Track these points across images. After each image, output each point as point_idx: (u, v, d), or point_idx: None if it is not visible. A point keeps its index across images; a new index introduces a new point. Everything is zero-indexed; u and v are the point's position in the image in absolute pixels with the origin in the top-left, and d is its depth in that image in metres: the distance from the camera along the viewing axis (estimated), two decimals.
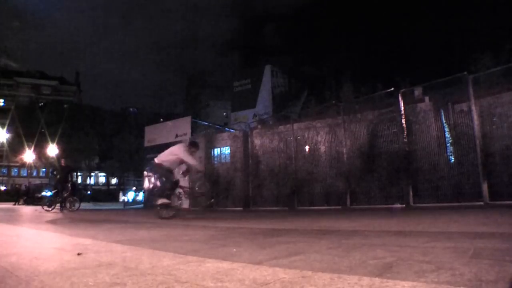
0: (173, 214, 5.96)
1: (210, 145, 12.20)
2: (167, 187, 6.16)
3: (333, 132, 9.09)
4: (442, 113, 7.59)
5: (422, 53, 45.94)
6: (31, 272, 1.55)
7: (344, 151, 8.71)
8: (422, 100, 8.18)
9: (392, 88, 8.44)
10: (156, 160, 6.34)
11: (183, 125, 13.66)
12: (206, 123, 18.19)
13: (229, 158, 11.67)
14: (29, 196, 23.93)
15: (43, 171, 46.50)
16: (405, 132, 7.66)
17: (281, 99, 41.10)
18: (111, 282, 1.31)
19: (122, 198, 39.42)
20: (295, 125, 10.10)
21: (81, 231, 3.82)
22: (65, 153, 30.10)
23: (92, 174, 52.63)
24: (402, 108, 7.80)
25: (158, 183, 6.48)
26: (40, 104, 49.06)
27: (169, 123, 15.30)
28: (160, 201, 5.97)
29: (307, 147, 9.74)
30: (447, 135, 7.42)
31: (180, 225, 4.65)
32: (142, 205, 17.13)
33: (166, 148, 15.70)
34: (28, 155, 35.35)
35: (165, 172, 6.22)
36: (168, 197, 6.06)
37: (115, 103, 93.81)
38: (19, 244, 2.84)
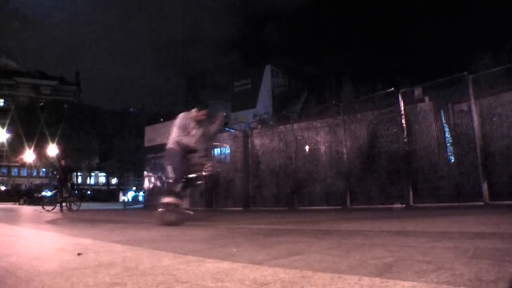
0: (181, 218, 4.50)
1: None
2: (175, 180, 4.62)
3: (333, 132, 9.09)
4: (442, 113, 7.59)
5: (422, 53, 45.96)
6: (31, 272, 1.55)
7: (344, 151, 8.70)
8: (422, 100, 8.18)
9: (392, 88, 8.43)
10: (168, 144, 4.88)
11: None
12: None
13: (229, 158, 11.67)
14: (29, 196, 23.93)
15: (43, 171, 46.52)
16: (405, 132, 7.66)
17: (281, 99, 41.13)
18: (111, 282, 1.31)
19: (122, 198, 39.43)
20: (295, 125, 10.10)
21: (81, 231, 3.82)
22: (65, 153, 30.12)
23: (92, 174, 52.67)
24: (402, 108, 7.80)
25: (168, 175, 4.88)
26: (40, 104, 49.09)
27: (169, 123, 15.27)
28: (166, 199, 4.48)
29: (307, 147, 9.74)
30: (447, 135, 7.42)
31: (180, 225, 4.65)
32: (142, 205, 17.13)
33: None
34: (28, 155, 35.36)
35: (172, 159, 4.74)
36: (177, 194, 4.56)
37: (115, 103, 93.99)
38: (19, 244, 2.84)
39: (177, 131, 4.76)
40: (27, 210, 12.59)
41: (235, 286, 1.22)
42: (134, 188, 33.56)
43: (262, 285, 1.22)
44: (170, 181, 4.76)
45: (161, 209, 4.47)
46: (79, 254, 2.01)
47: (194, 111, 4.88)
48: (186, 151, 4.77)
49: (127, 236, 3.20)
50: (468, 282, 1.12)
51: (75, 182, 41.17)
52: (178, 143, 4.73)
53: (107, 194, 43.80)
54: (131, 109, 53.89)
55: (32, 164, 40.51)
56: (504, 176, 6.49)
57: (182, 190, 4.68)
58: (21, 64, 57.89)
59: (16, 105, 46.73)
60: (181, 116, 4.88)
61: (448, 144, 7.37)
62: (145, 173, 15.25)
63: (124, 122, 48.06)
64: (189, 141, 4.70)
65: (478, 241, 2.01)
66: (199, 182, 5.25)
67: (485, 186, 6.50)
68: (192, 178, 4.92)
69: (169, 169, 4.77)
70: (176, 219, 4.35)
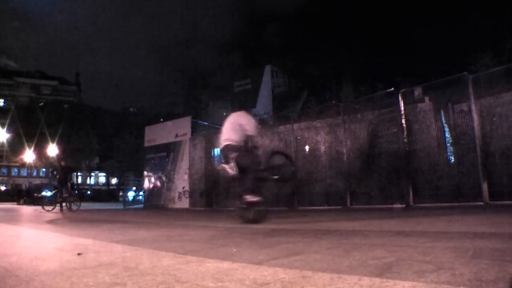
0: (262, 215, 4.46)
1: (210, 145, 12.19)
2: (254, 177, 4.55)
3: (333, 132, 9.09)
4: (442, 113, 7.59)
5: (422, 53, 45.92)
6: (31, 272, 1.55)
7: (344, 151, 8.71)
8: (422, 100, 8.18)
9: (392, 88, 8.43)
10: (223, 141, 4.76)
11: (183, 125, 13.67)
12: (206, 123, 18.18)
13: None
14: (29, 196, 23.95)
15: (43, 171, 46.53)
16: (405, 132, 7.66)
17: (281, 99, 41.12)
18: (111, 282, 1.31)
19: (122, 198, 39.44)
20: (295, 125, 10.09)
21: (81, 231, 3.82)
22: (65, 153, 30.15)
23: (92, 174, 52.69)
24: (402, 108, 7.80)
25: (232, 172, 4.62)
26: (40, 104, 49.08)
27: (169, 123, 15.30)
28: (250, 198, 4.38)
29: (307, 147, 9.74)
30: (447, 135, 7.42)
31: (180, 225, 4.65)
32: (142, 205, 17.12)
33: (166, 148, 15.51)
34: (28, 155, 35.37)
35: (248, 155, 4.60)
36: (257, 192, 4.46)
37: (115, 103, 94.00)
38: (19, 244, 2.84)
39: (250, 129, 4.69)
40: (27, 210, 12.59)
41: (235, 286, 1.23)
42: (134, 188, 33.59)
43: (262, 285, 1.22)
44: (240, 177, 4.62)
45: (243, 207, 4.48)
46: (79, 254, 2.01)
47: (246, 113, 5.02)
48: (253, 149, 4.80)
49: (127, 236, 3.20)
50: (468, 282, 1.12)
51: (75, 182, 41.21)
52: (252, 140, 4.73)
53: (107, 194, 43.80)
54: (131, 109, 53.92)
55: (32, 164, 40.50)
56: (504, 176, 6.49)
57: (258, 187, 4.61)
58: (21, 64, 57.92)
59: (16, 105, 46.71)
60: (246, 114, 4.96)
61: (448, 144, 7.37)
62: (145, 173, 15.25)
63: (124, 122, 48.09)
64: (258, 141, 4.83)
65: (478, 241, 2.01)
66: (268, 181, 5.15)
67: (485, 186, 6.50)
68: (264, 177, 4.91)
69: (236, 163, 4.57)
70: (258, 216, 4.37)
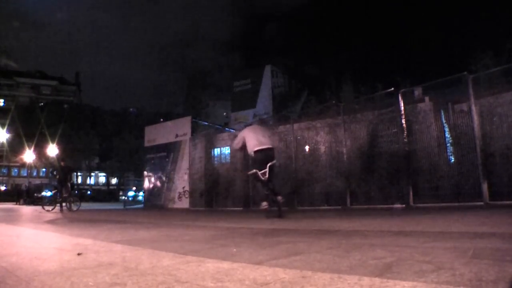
0: (283, 212, 5.26)
1: (210, 145, 12.20)
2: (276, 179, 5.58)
3: (333, 132, 9.08)
4: (442, 113, 7.59)
5: (422, 53, 45.96)
6: (31, 272, 1.55)
7: (344, 151, 8.70)
8: (422, 100, 8.17)
9: (392, 88, 8.43)
10: (264, 144, 5.27)
11: (183, 125, 13.67)
12: (206, 123, 18.19)
13: (229, 158, 11.66)
14: (29, 196, 23.93)
15: (43, 171, 46.50)
16: (405, 132, 7.66)
17: (281, 99, 41.08)
18: (111, 282, 1.31)
19: (122, 198, 39.41)
20: (295, 125, 10.08)
21: (81, 231, 3.82)
22: (65, 153, 30.12)
23: (92, 174, 52.67)
24: (402, 108, 7.80)
25: (263, 177, 5.22)
26: (40, 104, 49.08)
27: (169, 123, 15.30)
28: (280, 198, 5.22)
29: (307, 147, 9.73)
30: (447, 135, 7.42)
31: (180, 225, 4.65)
32: (142, 205, 17.12)
33: (166, 148, 15.49)
34: (28, 155, 35.34)
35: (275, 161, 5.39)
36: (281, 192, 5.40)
37: (115, 103, 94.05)
38: (19, 244, 2.84)
39: (274, 141, 5.80)
40: (27, 210, 12.60)
41: (235, 286, 1.23)
42: (134, 188, 33.58)
43: (262, 285, 1.22)
44: (267, 179, 5.22)
45: (272, 206, 5.27)
46: (79, 254, 2.01)
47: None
48: None
49: (127, 236, 3.20)
50: (468, 282, 1.12)
51: (75, 182, 41.21)
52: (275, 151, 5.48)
53: (107, 194, 43.76)
54: (131, 109, 53.96)
55: (32, 164, 40.45)
56: (504, 176, 6.48)
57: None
58: (21, 64, 57.87)
59: (16, 105, 46.70)
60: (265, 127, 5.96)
61: (448, 144, 7.36)
62: (145, 173, 15.25)
63: (124, 122, 48.14)
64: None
65: (478, 241, 2.02)
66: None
67: (485, 186, 6.49)
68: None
69: (269, 170, 5.20)
70: (282, 213, 5.17)
